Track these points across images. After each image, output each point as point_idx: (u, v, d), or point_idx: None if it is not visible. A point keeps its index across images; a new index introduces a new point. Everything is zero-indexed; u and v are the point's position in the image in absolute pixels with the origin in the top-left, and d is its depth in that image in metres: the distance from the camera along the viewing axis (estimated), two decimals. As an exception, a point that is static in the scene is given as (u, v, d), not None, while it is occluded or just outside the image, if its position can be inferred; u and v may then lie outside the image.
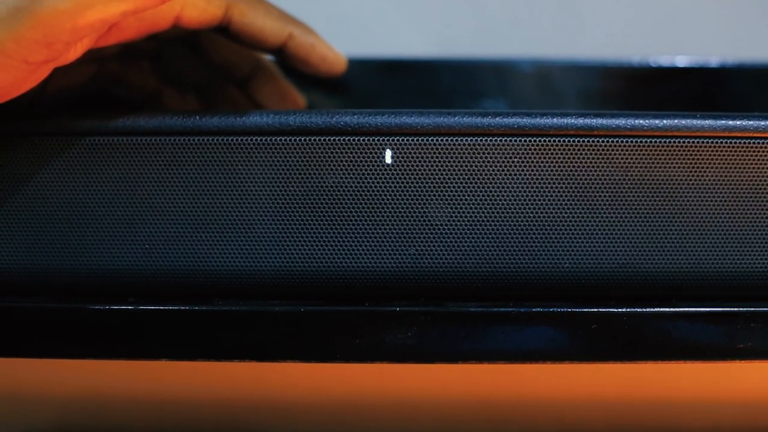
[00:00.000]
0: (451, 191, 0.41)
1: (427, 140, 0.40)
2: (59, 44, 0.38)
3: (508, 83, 0.63)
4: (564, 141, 0.40)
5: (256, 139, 0.41)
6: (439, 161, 0.40)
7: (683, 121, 0.41)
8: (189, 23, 0.45)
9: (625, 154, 0.41)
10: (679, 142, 0.41)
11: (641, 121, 0.41)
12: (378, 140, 0.40)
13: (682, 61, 0.63)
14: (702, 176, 0.41)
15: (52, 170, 0.41)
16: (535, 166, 0.40)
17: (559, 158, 0.40)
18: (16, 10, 0.37)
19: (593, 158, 0.41)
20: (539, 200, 0.41)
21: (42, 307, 0.41)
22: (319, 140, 0.41)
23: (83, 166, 0.41)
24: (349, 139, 0.41)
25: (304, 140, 0.41)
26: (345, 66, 0.52)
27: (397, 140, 0.40)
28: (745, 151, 0.41)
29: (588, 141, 0.40)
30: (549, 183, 0.41)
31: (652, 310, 0.41)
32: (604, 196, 0.41)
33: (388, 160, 0.41)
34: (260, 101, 0.54)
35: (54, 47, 0.38)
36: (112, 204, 0.41)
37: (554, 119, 0.40)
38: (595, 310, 0.41)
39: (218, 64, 0.53)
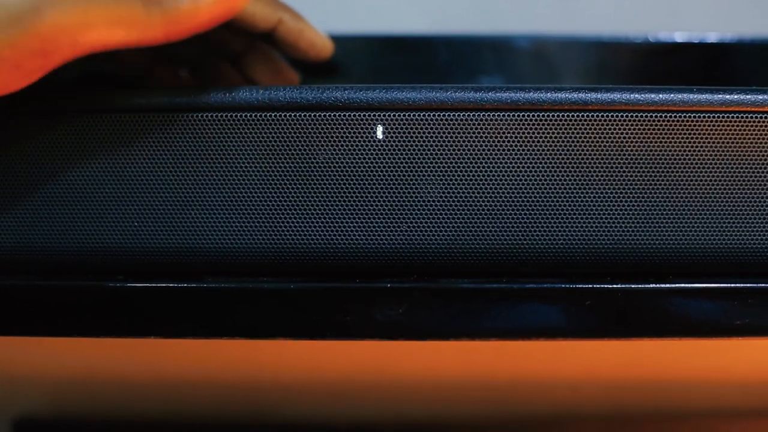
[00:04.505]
0: (444, 167, 0.40)
1: (419, 115, 0.40)
2: (57, 56, 0.38)
3: (505, 59, 0.63)
4: (558, 116, 0.40)
5: (246, 115, 0.40)
6: (431, 137, 0.40)
7: (679, 96, 0.40)
8: None
9: (620, 129, 0.40)
10: (675, 116, 0.40)
11: (636, 96, 0.40)
12: (369, 116, 0.40)
13: (680, 36, 0.62)
14: (698, 151, 0.40)
15: (40, 148, 0.41)
16: (528, 141, 0.40)
17: (553, 133, 0.40)
18: (17, 17, 0.36)
19: (588, 133, 0.40)
20: (533, 176, 0.40)
21: (29, 285, 0.41)
22: (310, 116, 0.40)
23: (72, 144, 0.41)
24: (340, 115, 0.40)
25: (295, 116, 0.40)
26: (332, 51, 0.52)
27: (389, 116, 0.40)
28: (742, 126, 0.40)
29: (582, 116, 0.40)
30: (543, 158, 0.40)
31: (647, 286, 0.41)
32: (599, 172, 0.40)
33: (380, 135, 0.40)
34: (254, 78, 0.54)
35: (51, 58, 0.38)
36: (101, 181, 0.41)
37: (548, 93, 0.40)
38: (590, 286, 0.41)
39: (211, 41, 0.52)
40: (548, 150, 0.40)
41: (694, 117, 0.40)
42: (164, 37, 0.39)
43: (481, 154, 0.40)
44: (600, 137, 0.40)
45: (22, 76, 0.38)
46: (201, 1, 0.39)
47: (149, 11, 0.38)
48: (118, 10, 0.37)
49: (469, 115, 0.40)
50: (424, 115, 0.40)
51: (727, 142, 0.40)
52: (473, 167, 0.40)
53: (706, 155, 0.40)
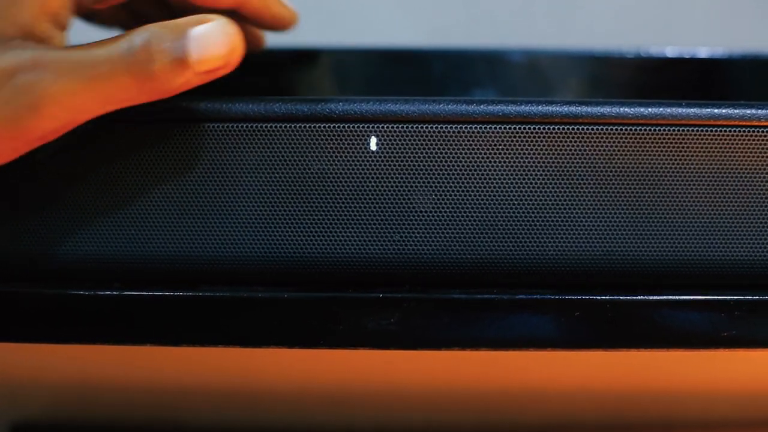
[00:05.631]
0: (436, 178, 0.41)
1: (412, 127, 0.40)
2: (51, 137, 0.39)
3: (499, 73, 0.63)
4: (549, 129, 0.40)
5: (242, 126, 0.41)
6: (424, 148, 0.41)
7: (668, 109, 0.40)
8: None
9: (610, 142, 0.40)
10: (664, 130, 0.40)
11: (626, 109, 0.40)
12: (363, 127, 0.41)
13: (671, 51, 0.63)
14: (687, 164, 0.41)
15: (37, 156, 0.41)
16: (519, 154, 0.40)
17: (544, 146, 0.40)
18: (16, 119, 0.38)
19: (578, 146, 0.41)
20: (524, 188, 0.41)
21: (27, 292, 0.41)
22: (305, 127, 0.41)
23: (68, 152, 0.41)
24: (334, 127, 0.41)
25: (290, 127, 0.41)
26: (297, 22, 0.52)
27: (382, 127, 0.40)
28: (730, 140, 0.41)
29: (573, 129, 0.40)
30: (534, 171, 0.41)
31: (636, 297, 0.41)
32: (589, 184, 0.41)
33: (373, 147, 0.41)
34: None
35: (46, 140, 0.39)
36: (96, 190, 0.41)
37: (539, 107, 0.40)
38: (579, 297, 0.41)
39: (182, 8, 0.52)
40: (539, 162, 0.41)
41: (683, 130, 0.40)
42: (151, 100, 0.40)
43: (472, 166, 0.41)
44: (590, 150, 0.40)
45: (14, 153, 0.40)
46: (193, 73, 0.39)
47: (141, 88, 0.38)
48: (112, 91, 0.38)
49: (461, 128, 0.40)
50: (417, 127, 0.40)
51: (715, 156, 0.41)
52: (465, 179, 0.41)
53: (695, 168, 0.41)
